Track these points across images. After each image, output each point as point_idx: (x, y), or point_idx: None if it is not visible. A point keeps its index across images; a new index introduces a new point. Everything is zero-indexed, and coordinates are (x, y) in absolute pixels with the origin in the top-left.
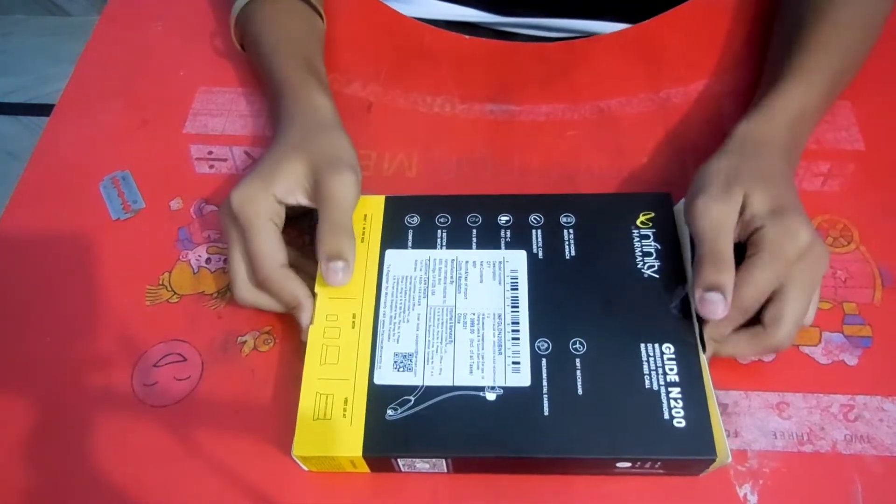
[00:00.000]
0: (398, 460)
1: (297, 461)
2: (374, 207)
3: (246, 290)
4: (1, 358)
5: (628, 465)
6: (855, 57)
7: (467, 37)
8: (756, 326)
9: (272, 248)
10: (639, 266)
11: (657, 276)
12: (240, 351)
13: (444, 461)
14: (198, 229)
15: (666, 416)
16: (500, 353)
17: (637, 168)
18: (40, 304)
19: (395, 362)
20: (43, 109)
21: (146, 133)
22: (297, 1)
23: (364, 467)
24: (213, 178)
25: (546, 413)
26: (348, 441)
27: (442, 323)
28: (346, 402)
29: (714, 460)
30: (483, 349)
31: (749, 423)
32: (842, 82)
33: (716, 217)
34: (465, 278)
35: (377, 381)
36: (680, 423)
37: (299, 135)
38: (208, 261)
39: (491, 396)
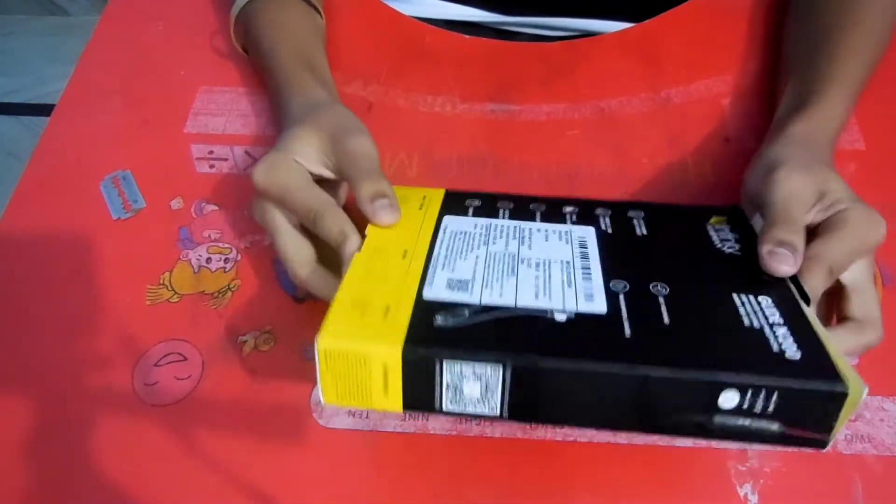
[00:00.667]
0: (444, 375)
1: (318, 369)
2: (433, 193)
3: (305, 269)
4: (1, 358)
5: (735, 401)
6: (879, 61)
7: (468, 36)
8: (853, 321)
9: (313, 193)
10: (718, 246)
11: (740, 253)
12: (240, 351)
13: (499, 382)
14: (198, 229)
15: (776, 348)
16: (570, 287)
17: (637, 168)
18: (40, 304)
19: (449, 283)
20: (43, 109)
21: (147, 133)
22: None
23: (397, 390)
24: (214, 177)
25: (628, 335)
26: (388, 335)
27: (503, 262)
28: (387, 308)
29: (844, 393)
30: (550, 282)
31: None
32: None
33: (797, 186)
34: (529, 238)
35: (426, 296)
36: (793, 355)
37: (304, 115)
38: (209, 260)
39: (561, 318)
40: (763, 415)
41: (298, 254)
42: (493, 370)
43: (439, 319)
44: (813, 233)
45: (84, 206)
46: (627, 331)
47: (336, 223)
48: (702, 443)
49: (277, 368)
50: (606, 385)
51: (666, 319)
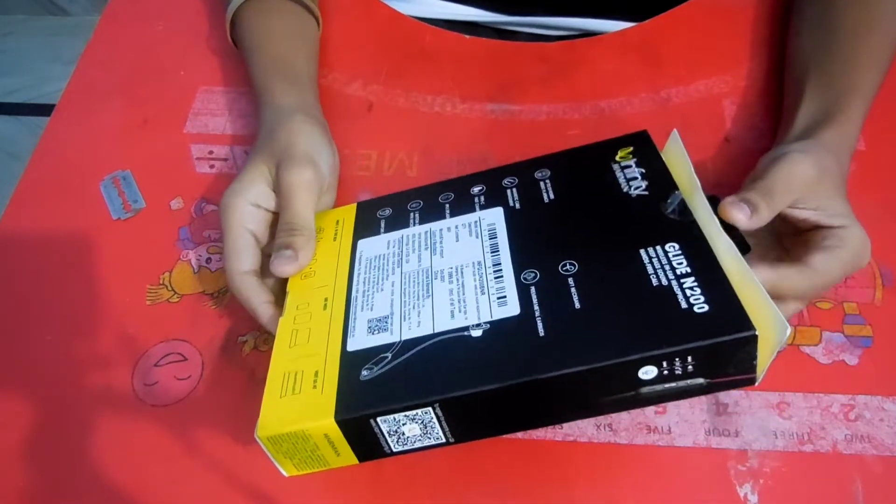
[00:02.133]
0: (381, 427)
1: (269, 454)
2: (346, 213)
3: (240, 273)
4: (1, 358)
5: (654, 372)
6: (892, 65)
7: (468, 36)
8: (808, 268)
9: (235, 255)
10: (625, 190)
11: (647, 192)
12: (240, 350)
13: (434, 418)
14: (198, 229)
15: (684, 305)
16: (484, 293)
17: None
18: (40, 304)
19: (370, 327)
20: (43, 109)
21: (147, 133)
22: (286, 1)
23: (346, 450)
24: (214, 177)
25: (542, 333)
26: (319, 408)
27: (418, 283)
28: (316, 374)
29: (754, 336)
30: (464, 294)
31: (749, 423)
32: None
33: (800, 171)
34: (441, 242)
35: (350, 347)
36: (702, 307)
37: (263, 136)
38: (209, 260)
39: (477, 333)
40: (685, 375)
41: (242, 253)
42: (424, 412)
43: (364, 373)
44: (808, 241)
45: (84, 206)
46: (541, 330)
47: (243, 295)
48: (701, 442)
49: None
50: (533, 392)
51: (577, 303)
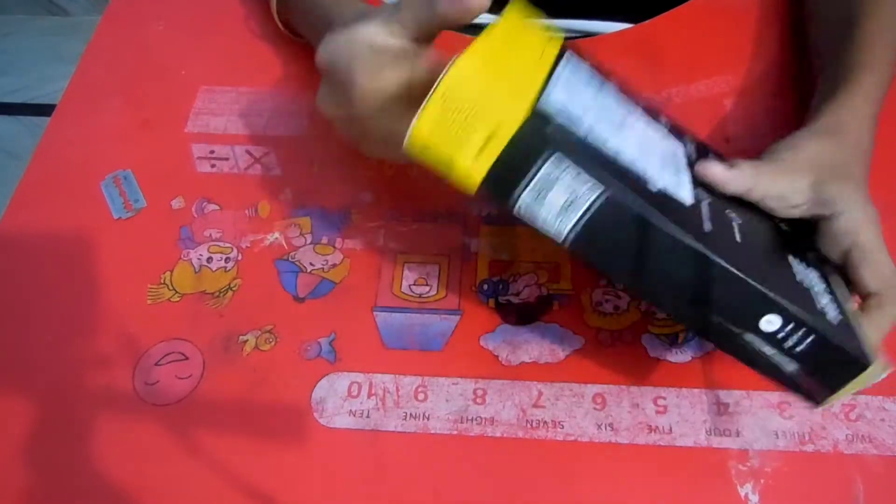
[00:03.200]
0: (542, 169)
1: (426, 101)
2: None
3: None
4: (1, 358)
5: (774, 325)
6: None
7: (468, 36)
8: (872, 296)
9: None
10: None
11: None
12: (241, 350)
13: (589, 201)
14: (199, 228)
15: (819, 307)
16: (665, 168)
17: None
18: (41, 304)
19: (564, 108)
20: (43, 109)
21: (148, 132)
22: None
23: (491, 156)
24: (215, 177)
25: (707, 229)
26: (519, 95)
27: (613, 115)
28: (520, 78)
29: (866, 364)
30: (650, 152)
31: (750, 423)
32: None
33: (785, 144)
34: (634, 113)
35: (542, 108)
36: (834, 319)
37: (350, 13)
38: (209, 260)
39: (653, 188)
40: (789, 351)
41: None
42: (590, 189)
43: (557, 124)
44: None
45: (85, 206)
46: (707, 226)
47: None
48: (702, 442)
49: (278, 368)
50: (677, 256)
51: (738, 238)
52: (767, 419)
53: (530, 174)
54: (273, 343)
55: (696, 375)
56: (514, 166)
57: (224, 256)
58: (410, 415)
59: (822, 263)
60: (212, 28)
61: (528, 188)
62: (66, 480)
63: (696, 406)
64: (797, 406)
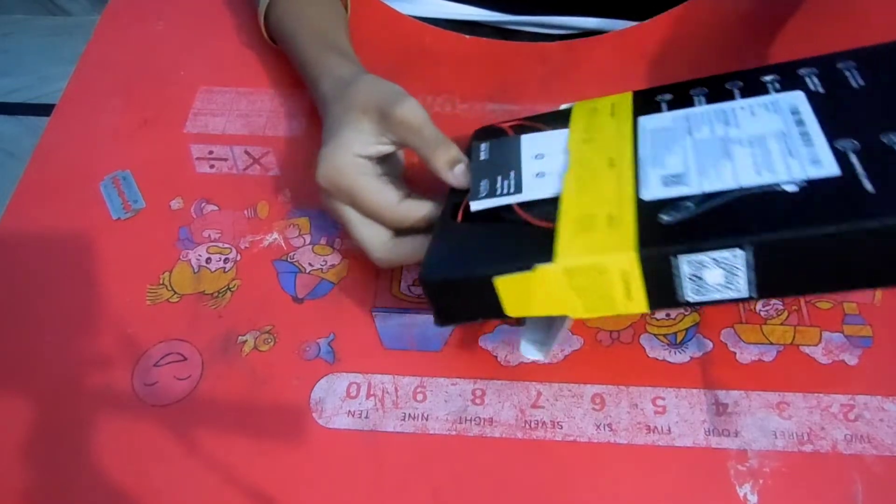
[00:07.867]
0: (682, 268)
1: (563, 293)
2: (620, 98)
3: (385, 252)
4: (1, 357)
5: None
6: None
7: (468, 36)
8: None
9: (384, 194)
10: None
11: None
12: (240, 350)
13: (742, 265)
14: (198, 229)
15: None
16: (794, 157)
17: None
18: (40, 304)
19: (664, 181)
20: (43, 109)
21: (147, 133)
22: None
23: (639, 292)
24: (214, 177)
25: (871, 190)
26: (619, 242)
27: (713, 148)
28: (610, 217)
29: None
30: (770, 157)
31: (749, 423)
32: None
33: None
34: (735, 117)
35: (645, 196)
36: None
37: (340, 96)
38: (208, 260)
39: (791, 188)
40: None
41: (375, 239)
42: (733, 254)
43: (665, 217)
44: None
45: (84, 206)
46: (868, 186)
47: (413, 217)
48: (701, 443)
49: (277, 368)
50: (855, 243)
51: None
52: (766, 419)
53: (676, 282)
54: (272, 343)
55: (694, 376)
56: (661, 287)
57: (223, 257)
58: (409, 415)
59: None
60: (211, 29)
61: (688, 289)
62: (66, 481)
63: (695, 406)
64: (796, 406)
